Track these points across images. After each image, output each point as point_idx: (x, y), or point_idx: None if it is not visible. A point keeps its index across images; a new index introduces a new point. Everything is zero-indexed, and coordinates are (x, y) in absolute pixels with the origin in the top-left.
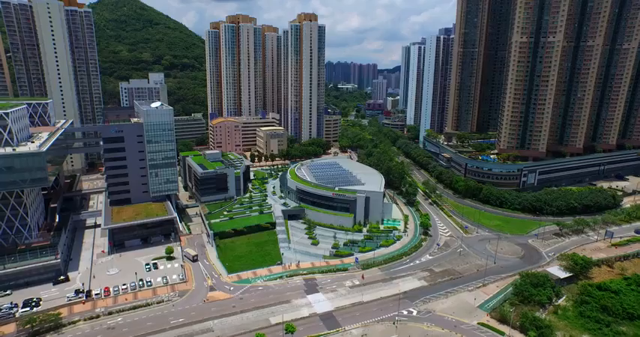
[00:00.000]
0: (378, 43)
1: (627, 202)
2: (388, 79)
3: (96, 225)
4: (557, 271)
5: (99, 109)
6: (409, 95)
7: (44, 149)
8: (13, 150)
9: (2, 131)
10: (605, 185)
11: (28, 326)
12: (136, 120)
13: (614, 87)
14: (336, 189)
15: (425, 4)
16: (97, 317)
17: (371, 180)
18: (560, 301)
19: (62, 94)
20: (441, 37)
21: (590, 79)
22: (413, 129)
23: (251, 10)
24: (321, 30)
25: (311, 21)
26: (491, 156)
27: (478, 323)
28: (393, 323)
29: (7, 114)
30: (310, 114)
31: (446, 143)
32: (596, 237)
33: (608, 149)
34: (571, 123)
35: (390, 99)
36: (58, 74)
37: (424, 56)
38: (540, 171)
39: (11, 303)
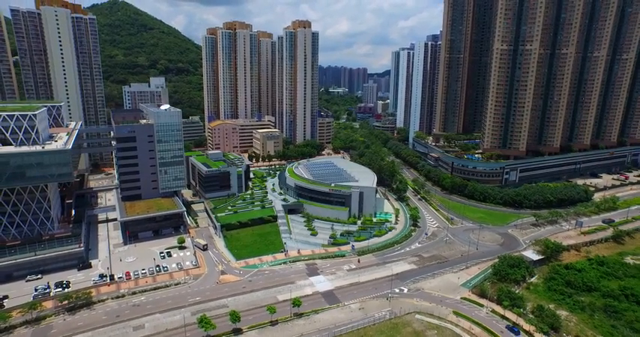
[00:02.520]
0: (368, 47)
1: (598, 197)
2: (378, 83)
3: (108, 220)
4: (532, 254)
5: (102, 112)
6: (399, 99)
7: (69, 147)
8: (42, 147)
9: (30, 131)
10: (581, 182)
11: (65, 302)
12: (144, 121)
13: (586, 92)
14: (332, 185)
15: (413, 9)
16: (123, 296)
17: (364, 177)
18: (532, 279)
19: (68, 97)
20: (429, 43)
21: (564, 83)
22: (403, 131)
23: (241, 14)
24: (315, 36)
25: (305, 28)
26: (476, 155)
27: (461, 298)
28: (387, 299)
29: (35, 115)
30: (304, 116)
31: (434, 144)
32: (568, 227)
33: (583, 148)
34: (548, 124)
35: (380, 102)
36: (65, 78)
37: (413, 61)
38: (521, 168)
39: (47, 284)
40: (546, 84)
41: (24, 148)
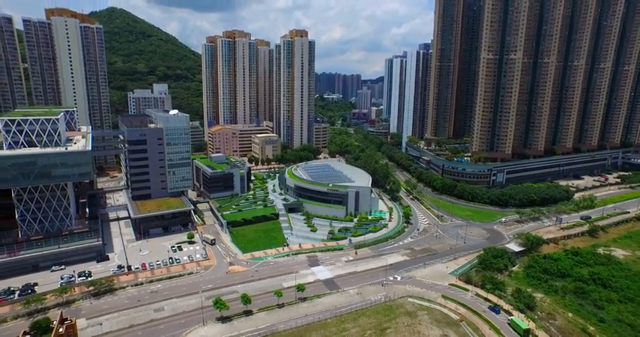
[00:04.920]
0: (361, 53)
1: (578, 196)
2: (372, 90)
3: (119, 218)
4: (514, 246)
5: (106, 117)
6: (392, 105)
7: (89, 148)
8: (66, 149)
9: (53, 133)
10: (564, 183)
11: (91, 287)
12: (152, 125)
13: (568, 98)
14: (330, 185)
15: (405, 16)
16: (141, 284)
17: (359, 178)
18: (514, 268)
19: (75, 103)
20: (421, 51)
21: (547, 90)
22: (396, 136)
23: (234, 21)
24: (312, 45)
25: (302, 37)
26: (465, 158)
27: (449, 284)
28: (382, 285)
29: (57, 119)
30: (301, 122)
31: (426, 147)
32: (549, 223)
33: (566, 152)
34: (533, 128)
35: (374, 108)
36: (73, 85)
37: (406, 69)
38: (508, 170)
39: (72, 273)
40: (530, 91)
41: (48, 149)
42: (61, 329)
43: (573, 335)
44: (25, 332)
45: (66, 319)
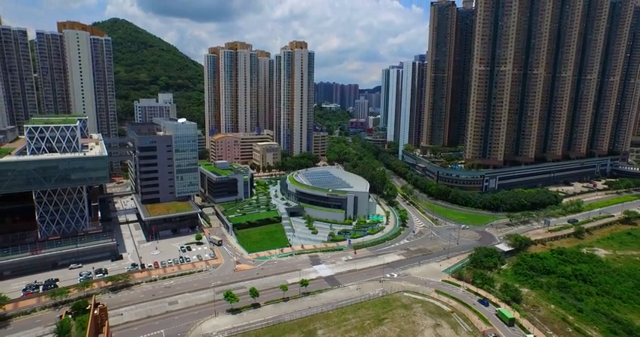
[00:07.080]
0: (358, 63)
1: (566, 201)
2: (369, 99)
3: (128, 222)
4: (503, 246)
5: (113, 125)
6: (389, 114)
7: (105, 153)
8: (84, 154)
9: (72, 140)
10: (554, 189)
11: (109, 283)
12: (160, 133)
13: (557, 108)
14: (330, 190)
15: (401, 26)
16: (155, 280)
17: (358, 184)
18: (503, 266)
19: (85, 112)
20: (417, 62)
21: (537, 100)
22: (393, 144)
23: (232, 31)
24: (311, 56)
25: (302, 48)
26: (459, 165)
27: (442, 281)
28: (380, 281)
29: (76, 127)
30: (301, 130)
31: (421, 155)
32: (537, 226)
33: (556, 159)
34: (524, 136)
35: (371, 118)
36: (82, 94)
37: (402, 79)
38: (500, 177)
39: (91, 270)
40: (521, 101)
41: (69, 155)
42: (95, 311)
43: (554, 324)
44: (66, 311)
45: (99, 303)
